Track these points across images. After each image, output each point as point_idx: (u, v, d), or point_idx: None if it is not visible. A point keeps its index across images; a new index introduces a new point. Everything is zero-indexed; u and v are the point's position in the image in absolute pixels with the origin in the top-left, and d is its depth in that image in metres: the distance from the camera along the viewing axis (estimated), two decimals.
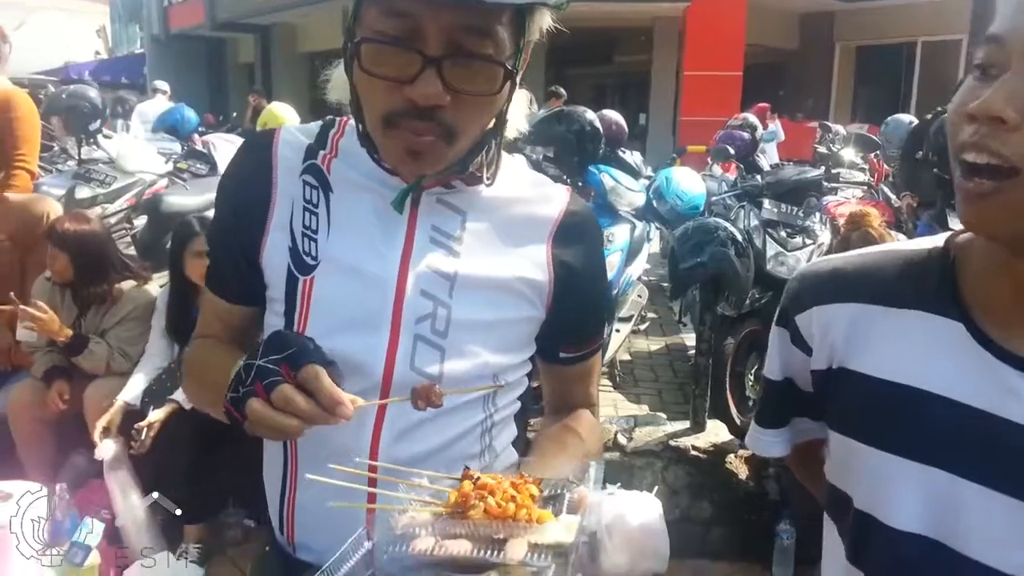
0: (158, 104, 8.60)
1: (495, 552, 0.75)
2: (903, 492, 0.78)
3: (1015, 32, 0.66)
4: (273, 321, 1.04)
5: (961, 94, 0.70)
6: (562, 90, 8.76)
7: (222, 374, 0.89)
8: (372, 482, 0.88)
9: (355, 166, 1.01)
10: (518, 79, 0.94)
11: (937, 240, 0.83)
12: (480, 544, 0.76)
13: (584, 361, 1.16)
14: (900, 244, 0.88)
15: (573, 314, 1.08)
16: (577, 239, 1.08)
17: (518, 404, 1.12)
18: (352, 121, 1.00)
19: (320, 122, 1.08)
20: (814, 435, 0.96)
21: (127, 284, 3.11)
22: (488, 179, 1.01)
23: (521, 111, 1.02)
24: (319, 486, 0.97)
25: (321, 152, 1.03)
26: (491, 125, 0.96)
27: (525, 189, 1.08)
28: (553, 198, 1.09)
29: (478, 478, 0.82)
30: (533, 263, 1.04)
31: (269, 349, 0.84)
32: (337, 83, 1.01)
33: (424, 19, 0.83)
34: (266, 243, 1.02)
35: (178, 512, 2.60)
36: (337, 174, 1.02)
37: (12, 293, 2.85)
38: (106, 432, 2.72)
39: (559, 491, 0.83)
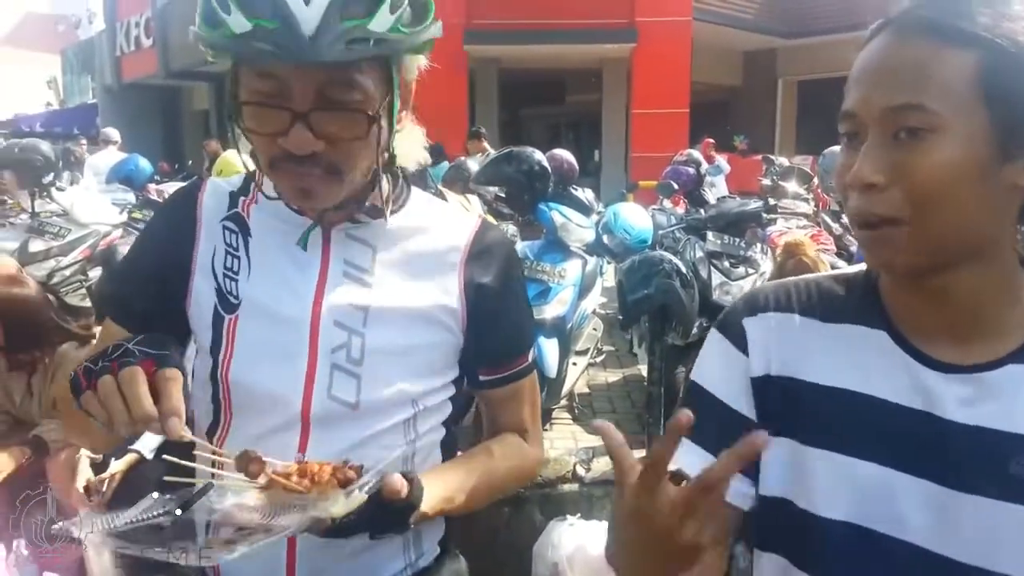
0: (109, 155, 8.51)
1: (268, 518, 0.84)
2: (843, 487, 0.87)
3: (862, 106, 0.79)
4: (201, 357, 1.10)
5: (840, 163, 0.83)
6: (483, 130, 8.85)
7: None
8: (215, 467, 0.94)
9: (272, 211, 1.08)
10: (403, 116, 1.04)
11: (863, 265, 0.94)
12: (265, 514, 0.84)
13: (507, 384, 1.18)
14: (840, 270, 0.98)
15: (488, 336, 1.13)
16: (489, 263, 1.13)
17: (443, 431, 1.15)
18: None
19: (246, 172, 1.13)
20: (729, 496, 0.93)
21: (69, 345, 2.87)
22: (391, 211, 1.08)
23: (417, 145, 1.11)
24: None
25: (242, 199, 1.11)
26: (385, 161, 1.04)
27: (434, 219, 1.13)
28: (462, 225, 1.14)
29: (304, 463, 0.89)
30: (445, 290, 1.09)
31: (144, 342, 0.87)
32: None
33: (290, 79, 0.91)
34: (192, 286, 1.08)
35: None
36: (256, 219, 1.09)
37: None
38: (88, 491, 2.66)
39: (375, 478, 0.90)
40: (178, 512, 0.85)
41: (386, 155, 1.03)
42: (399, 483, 0.91)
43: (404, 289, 1.08)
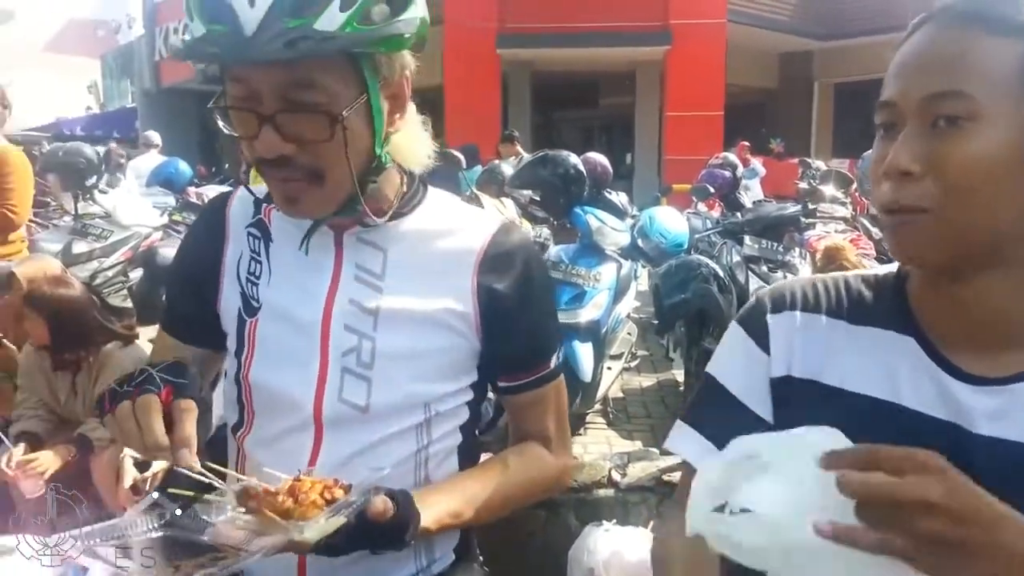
0: (150, 158, 8.68)
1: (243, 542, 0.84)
2: None
3: (902, 96, 0.77)
4: (229, 359, 1.13)
5: (874, 154, 0.81)
6: (516, 133, 8.83)
7: None
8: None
9: (290, 218, 1.07)
10: (397, 117, 1.02)
11: (894, 265, 0.92)
12: (245, 535, 0.85)
13: (529, 390, 1.16)
14: (872, 270, 0.95)
15: (506, 341, 1.11)
16: (507, 267, 1.10)
17: (459, 436, 1.14)
18: None
19: None
20: None
21: (113, 345, 2.94)
22: (401, 212, 1.08)
23: (421, 145, 1.09)
24: None
25: (265, 205, 1.12)
26: (375, 163, 1.02)
27: (451, 222, 1.11)
28: (479, 228, 1.11)
29: (299, 480, 0.88)
30: (457, 293, 1.08)
31: (167, 369, 0.90)
32: None
33: (255, 82, 0.92)
34: (221, 292, 1.12)
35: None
36: (276, 225, 1.12)
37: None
38: (135, 490, 2.70)
39: (359, 498, 0.89)
40: (170, 526, 0.86)
41: (378, 156, 1.01)
42: (381, 505, 0.90)
43: (415, 292, 1.07)
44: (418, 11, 0.96)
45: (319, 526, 0.84)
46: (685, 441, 0.96)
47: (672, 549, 0.97)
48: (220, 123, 0.99)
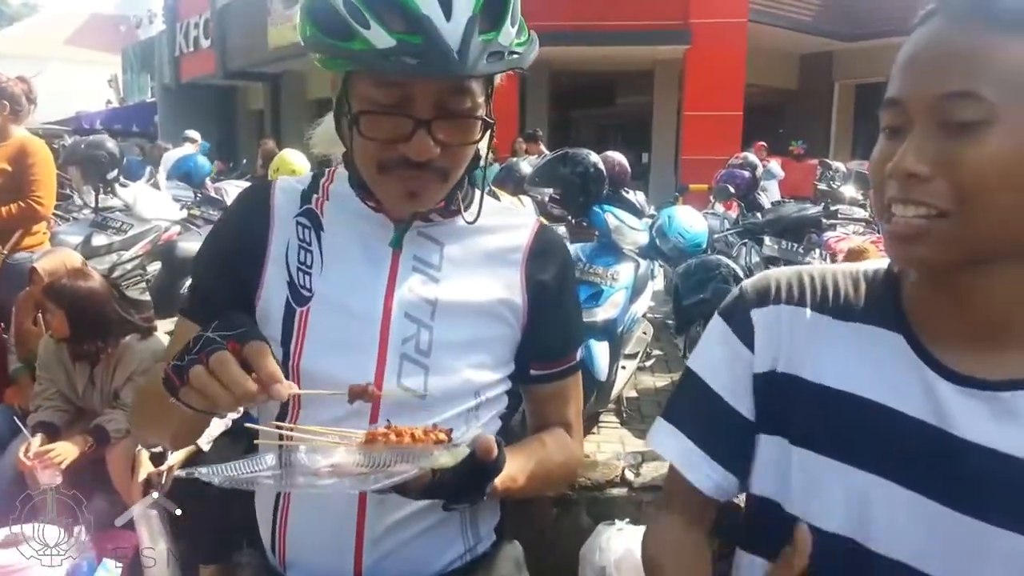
0: (185, 153, 8.78)
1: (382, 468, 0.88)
2: (835, 495, 0.83)
3: (910, 95, 0.74)
4: (271, 348, 1.12)
5: (877, 153, 0.78)
6: (540, 132, 8.89)
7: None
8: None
9: (344, 208, 1.12)
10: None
11: (885, 261, 0.90)
12: (375, 466, 0.88)
13: (556, 381, 1.21)
14: (859, 265, 0.94)
15: (542, 331, 1.16)
16: (548, 262, 1.17)
17: (499, 423, 1.18)
18: (341, 168, 1.14)
19: (311, 172, 1.20)
20: (705, 488, 0.94)
21: (131, 337, 2.98)
22: (466, 212, 1.12)
23: (484, 144, 1.14)
24: (310, 504, 1.07)
25: (314, 196, 1.15)
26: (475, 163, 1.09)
27: (497, 218, 1.17)
28: (523, 225, 1.19)
29: (393, 427, 0.92)
30: (508, 285, 1.14)
31: (220, 326, 0.88)
32: (321, 138, 1.15)
33: (413, 88, 0.95)
34: (264, 279, 1.11)
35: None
36: (328, 215, 1.13)
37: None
38: (148, 483, 2.71)
39: (463, 439, 0.93)
40: (280, 472, 0.89)
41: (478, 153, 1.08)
42: (491, 443, 0.93)
43: (470, 284, 1.12)
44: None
45: (450, 453, 0.88)
46: (668, 441, 0.97)
47: (664, 549, 0.99)
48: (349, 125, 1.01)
